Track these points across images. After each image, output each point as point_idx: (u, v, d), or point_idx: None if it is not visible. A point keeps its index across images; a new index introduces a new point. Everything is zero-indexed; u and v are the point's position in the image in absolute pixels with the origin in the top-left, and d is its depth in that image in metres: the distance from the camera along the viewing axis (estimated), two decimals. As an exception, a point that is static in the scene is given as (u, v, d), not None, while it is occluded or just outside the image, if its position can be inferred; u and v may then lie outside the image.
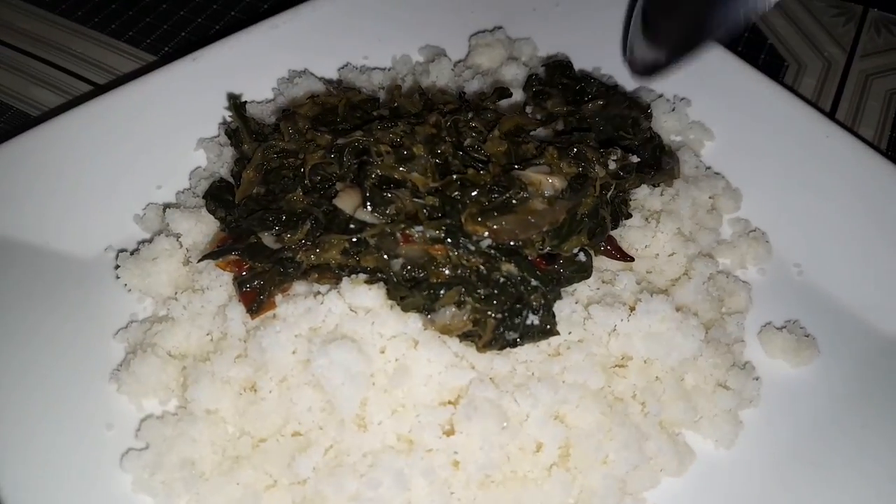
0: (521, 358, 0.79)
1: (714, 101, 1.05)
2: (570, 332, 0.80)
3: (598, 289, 0.85)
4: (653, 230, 0.90)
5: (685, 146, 1.03)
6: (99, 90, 1.22)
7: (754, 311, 0.92)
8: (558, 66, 1.05)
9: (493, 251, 0.74)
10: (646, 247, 0.90)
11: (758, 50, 1.30)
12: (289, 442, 0.77)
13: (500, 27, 1.17)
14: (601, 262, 0.87)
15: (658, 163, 0.95)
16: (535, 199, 0.75)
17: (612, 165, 0.80)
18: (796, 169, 0.99)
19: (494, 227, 0.73)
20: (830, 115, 1.20)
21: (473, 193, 0.76)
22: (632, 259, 0.86)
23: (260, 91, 1.06)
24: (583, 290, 0.85)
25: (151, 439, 0.78)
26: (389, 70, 1.10)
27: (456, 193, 0.76)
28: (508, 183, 0.76)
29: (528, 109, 0.98)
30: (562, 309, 0.81)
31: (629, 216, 0.89)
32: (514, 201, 0.75)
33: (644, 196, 0.95)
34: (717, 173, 1.01)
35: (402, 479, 0.71)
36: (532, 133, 0.86)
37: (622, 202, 0.89)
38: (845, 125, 1.13)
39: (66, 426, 0.79)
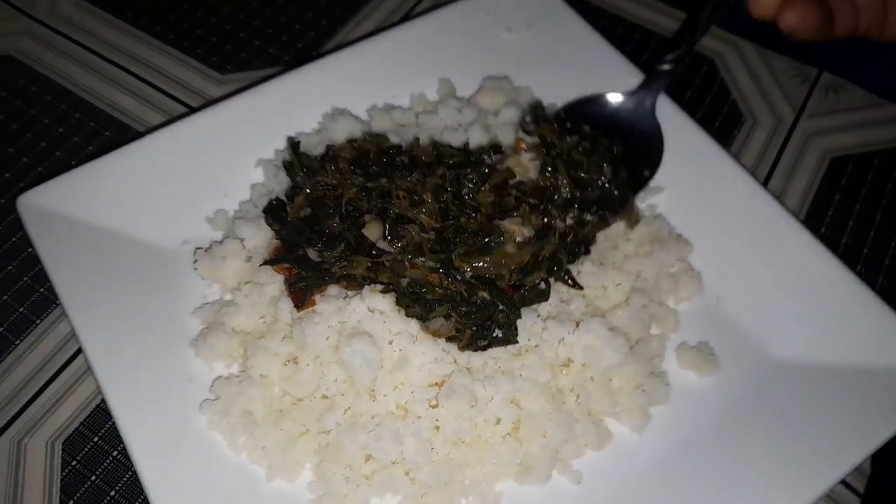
0: (491, 356, 1.06)
1: (668, 157, 1.30)
2: (528, 339, 1.07)
3: (556, 307, 1.13)
4: (609, 269, 1.16)
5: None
6: (170, 113, 1.50)
7: (679, 333, 1.18)
8: (536, 108, 1.29)
9: (473, 281, 1.02)
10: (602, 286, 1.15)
11: (722, 103, 1.54)
12: (319, 403, 1.06)
13: (505, 76, 1.42)
14: (563, 287, 1.15)
15: (622, 206, 1.21)
16: (509, 245, 1.02)
17: (569, 221, 1.07)
18: (726, 222, 1.24)
19: (475, 264, 1.01)
20: (772, 167, 1.45)
21: (464, 236, 1.04)
22: (581, 288, 1.13)
23: (308, 122, 1.33)
24: (544, 307, 1.13)
25: (220, 393, 1.06)
26: (408, 109, 1.35)
27: (451, 234, 1.04)
28: (490, 230, 1.03)
29: (524, 141, 1.24)
30: (526, 320, 1.08)
31: (587, 253, 1.16)
32: (492, 245, 1.03)
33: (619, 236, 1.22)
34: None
35: (398, 436, 1.00)
36: (514, 182, 1.13)
37: (583, 242, 1.15)
38: (766, 186, 1.39)
39: (159, 381, 1.08)
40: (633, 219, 1.21)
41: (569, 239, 1.09)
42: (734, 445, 1.06)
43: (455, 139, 1.26)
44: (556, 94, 1.37)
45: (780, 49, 1.60)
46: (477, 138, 1.26)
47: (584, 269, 1.15)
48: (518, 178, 1.14)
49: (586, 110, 1.29)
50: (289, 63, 1.58)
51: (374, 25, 1.64)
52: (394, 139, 1.24)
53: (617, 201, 1.21)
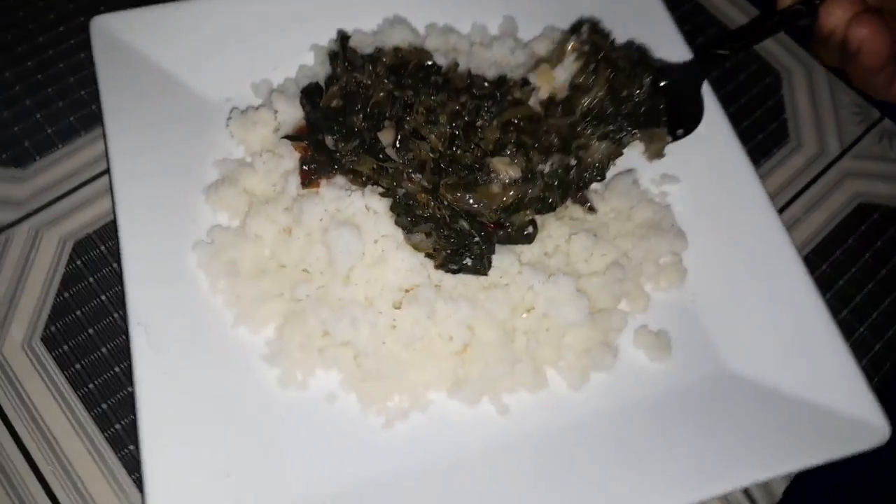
0: (462, 281, 1.14)
1: (692, 151, 1.32)
2: (501, 277, 1.14)
3: (538, 256, 1.19)
4: (601, 240, 1.21)
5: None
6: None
7: (646, 317, 1.23)
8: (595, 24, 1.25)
9: (456, 209, 1.09)
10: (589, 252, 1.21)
11: (773, 118, 1.54)
12: (298, 273, 1.15)
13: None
14: (554, 237, 1.21)
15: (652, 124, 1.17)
16: (494, 184, 1.08)
17: (548, 168, 1.11)
18: (727, 230, 1.27)
19: (457, 197, 1.07)
20: (798, 193, 1.46)
21: (457, 167, 1.10)
22: (595, 211, 1.19)
23: (370, 22, 1.38)
24: (528, 252, 1.19)
25: (215, 238, 1.16)
26: (465, 37, 1.39)
27: (446, 163, 1.10)
28: (481, 166, 1.09)
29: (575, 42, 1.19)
30: (504, 259, 1.15)
31: (602, 178, 1.18)
32: (479, 181, 1.08)
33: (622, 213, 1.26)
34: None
35: (355, 322, 1.09)
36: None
37: (597, 168, 1.17)
38: (785, 209, 1.41)
39: (167, 212, 1.18)
40: (656, 149, 1.21)
41: (583, 165, 1.14)
42: (653, 430, 1.12)
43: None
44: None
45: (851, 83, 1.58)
46: (519, 82, 1.30)
47: (578, 233, 1.20)
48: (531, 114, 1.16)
49: None
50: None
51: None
52: (440, 59, 1.29)
53: (647, 118, 1.18)
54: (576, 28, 1.26)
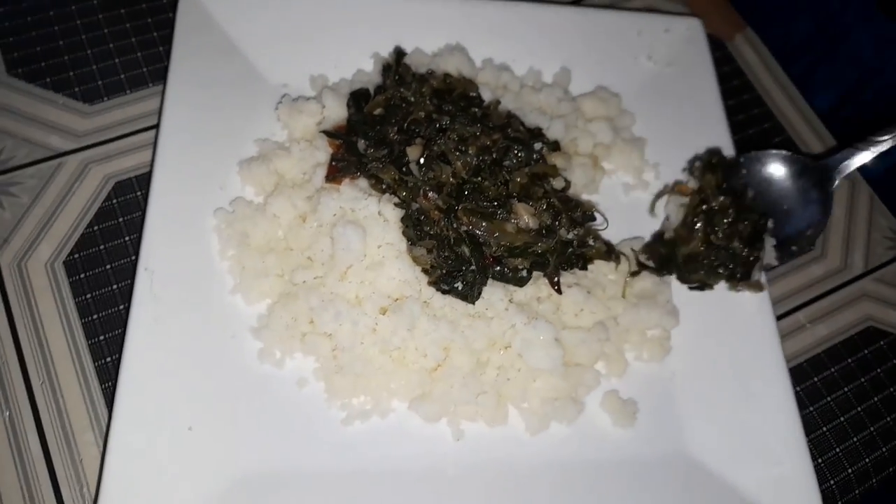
0: (450, 302, 1.19)
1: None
2: (487, 309, 1.19)
3: (528, 297, 1.23)
4: (593, 298, 1.24)
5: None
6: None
7: (620, 382, 1.24)
8: (714, 154, 1.38)
9: (464, 235, 1.14)
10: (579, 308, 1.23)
11: (804, 224, 1.54)
12: (302, 259, 1.22)
13: (618, 95, 1.49)
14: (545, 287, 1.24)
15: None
16: (510, 224, 1.13)
17: (571, 236, 1.16)
18: (721, 320, 1.29)
19: (472, 223, 1.12)
20: (808, 302, 1.45)
21: (479, 196, 1.15)
22: (560, 293, 1.21)
23: (434, 43, 1.45)
24: (521, 293, 1.23)
25: (236, 209, 1.24)
26: (516, 78, 1.45)
27: (469, 189, 1.16)
28: (503, 204, 1.14)
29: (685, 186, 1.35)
30: (495, 293, 1.19)
31: (584, 268, 1.24)
32: (497, 216, 1.13)
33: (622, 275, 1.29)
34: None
35: (339, 317, 1.15)
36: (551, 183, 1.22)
37: (583, 258, 1.23)
38: (788, 314, 1.41)
39: (198, 173, 1.26)
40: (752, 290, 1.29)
41: (569, 250, 1.18)
42: (597, 492, 1.15)
43: (538, 122, 1.35)
44: (650, 133, 1.44)
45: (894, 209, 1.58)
46: (556, 132, 1.35)
47: (572, 287, 1.23)
48: (556, 181, 1.22)
49: (765, 162, 1.34)
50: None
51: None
52: (487, 94, 1.35)
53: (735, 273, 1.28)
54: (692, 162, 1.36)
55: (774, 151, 1.34)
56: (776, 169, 1.34)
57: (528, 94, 1.41)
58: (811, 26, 1.91)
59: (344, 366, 1.15)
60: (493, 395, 1.17)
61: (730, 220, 1.26)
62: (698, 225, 1.27)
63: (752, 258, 1.27)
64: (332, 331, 1.15)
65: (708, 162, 1.33)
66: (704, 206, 1.28)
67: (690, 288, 1.30)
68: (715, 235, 1.26)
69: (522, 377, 1.18)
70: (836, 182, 1.29)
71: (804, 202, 1.32)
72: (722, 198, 1.28)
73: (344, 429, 1.15)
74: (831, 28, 1.84)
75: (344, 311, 1.15)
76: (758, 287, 1.27)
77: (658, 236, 1.34)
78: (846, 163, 1.28)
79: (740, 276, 1.27)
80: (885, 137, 1.25)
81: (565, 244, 1.17)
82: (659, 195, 1.39)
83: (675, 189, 1.36)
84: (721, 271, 1.27)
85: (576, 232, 1.16)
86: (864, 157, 1.27)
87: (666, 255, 1.30)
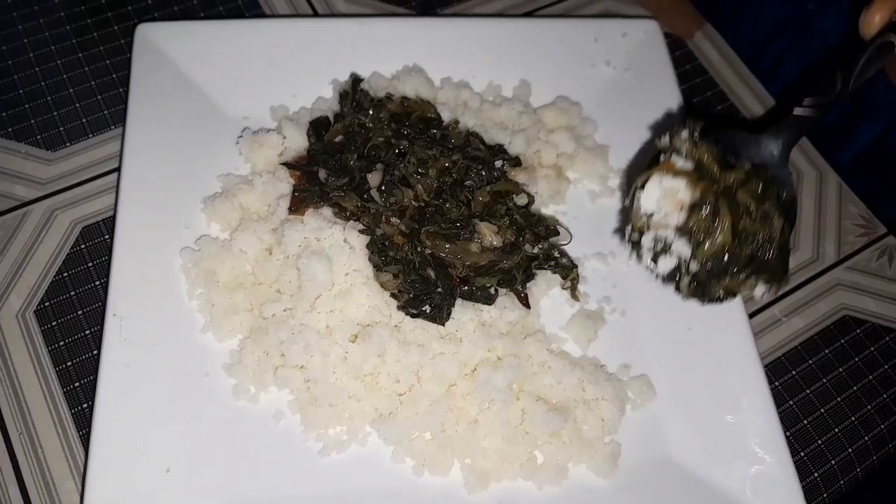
0: (420, 325, 1.19)
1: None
2: (457, 331, 1.19)
3: (494, 317, 1.22)
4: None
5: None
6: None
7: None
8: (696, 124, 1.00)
9: (429, 257, 1.14)
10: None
11: (774, 218, 1.55)
12: (271, 293, 1.22)
13: (578, 104, 1.49)
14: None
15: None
16: (474, 244, 1.13)
17: (536, 251, 1.16)
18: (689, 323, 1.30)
19: (436, 245, 1.13)
20: (783, 295, 1.46)
21: (442, 218, 1.15)
22: (528, 307, 1.22)
23: (392, 66, 1.46)
24: (487, 313, 1.23)
25: (202, 247, 1.24)
26: (477, 94, 1.45)
27: (431, 212, 1.16)
28: (466, 224, 1.14)
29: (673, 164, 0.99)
30: (465, 314, 1.19)
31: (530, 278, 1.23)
32: (460, 237, 1.14)
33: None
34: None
35: (309, 348, 1.14)
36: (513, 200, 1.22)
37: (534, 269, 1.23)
38: (765, 308, 1.41)
39: (164, 211, 1.27)
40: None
41: (534, 264, 1.18)
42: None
43: (500, 138, 1.36)
44: (613, 139, 1.45)
45: (865, 197, 1.58)
46: (518, 146, 1.36)
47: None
48: (519, 198, 1.22)
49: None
50: (413, 8, 1.70)
51: (501, 8, 1.73)
52: (447, 113, 1.35)
53: (772, 268, 0.98)
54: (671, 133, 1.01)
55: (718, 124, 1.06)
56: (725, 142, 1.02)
57: (489, 110, 1.42)
58: (777, 18, 1.91)
59: (318, 397, 1.15)
60: (456, 427, 1.14)
61: (760, 193, 0.96)
62: (723, 209, 0.95)
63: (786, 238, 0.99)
64: (304, 363, 1.15)
65: (693, 130, 1.00)
66: (717, 186, 0.96)
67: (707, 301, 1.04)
68: (749, 217, 0.96)
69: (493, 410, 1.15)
70: (787, 157, 1.02)
71: None
72: (735, 170, 0.97)
73: (321, 460, 1.15)
74: (798, 18, 1.85)
75: (314, 342, 1.15)
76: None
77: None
78: (788, 134, 1.01)
79: (776, 266, 0.98)
80: (820, 99, 0.97)
81: (531, 259, 1.17)
82: (638, 185, 1.02)
83: (654, 171, 0.99)
84: (752, 268, 0.98)
85: (540, 246, 1.16)
86: (804, 125, 1.00)
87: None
